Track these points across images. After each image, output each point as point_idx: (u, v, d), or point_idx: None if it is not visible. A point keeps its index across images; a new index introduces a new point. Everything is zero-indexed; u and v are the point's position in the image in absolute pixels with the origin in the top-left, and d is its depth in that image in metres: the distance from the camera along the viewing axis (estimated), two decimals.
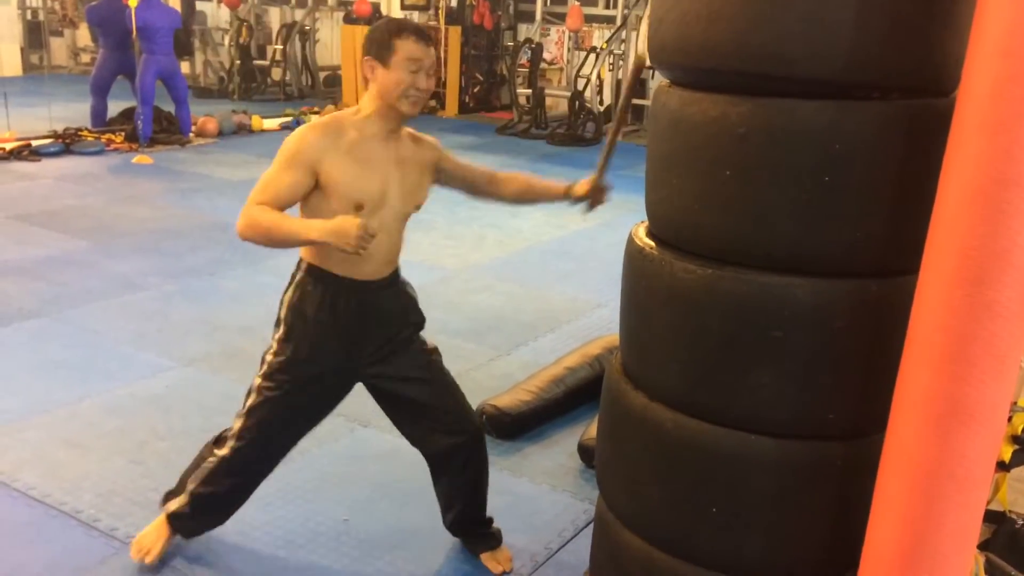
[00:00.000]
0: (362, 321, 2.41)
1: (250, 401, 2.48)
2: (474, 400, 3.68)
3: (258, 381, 2.46)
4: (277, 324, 2.45)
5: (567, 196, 2.63)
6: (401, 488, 3.16)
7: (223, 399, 3.77)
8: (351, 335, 2.42)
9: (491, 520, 2.83)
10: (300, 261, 2.42)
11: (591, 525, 2.51)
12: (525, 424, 3.62)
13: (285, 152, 2.26)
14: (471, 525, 2.79)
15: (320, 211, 2.28)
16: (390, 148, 2.36)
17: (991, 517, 2.58)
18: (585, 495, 3.19)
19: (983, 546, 2.53)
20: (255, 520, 2.93)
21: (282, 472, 3.21)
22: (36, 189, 7.40)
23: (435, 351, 2.60)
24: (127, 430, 3.51)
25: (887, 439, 1.64)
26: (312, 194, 2.29)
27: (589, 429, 3.42)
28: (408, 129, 2.46)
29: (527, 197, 2.70)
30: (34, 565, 2.68)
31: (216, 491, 2.59)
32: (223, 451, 2.53)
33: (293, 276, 2.43)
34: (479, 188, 2.64)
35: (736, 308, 1.81)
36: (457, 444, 2.57)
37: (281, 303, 2.44)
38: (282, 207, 2.25)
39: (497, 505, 3.09)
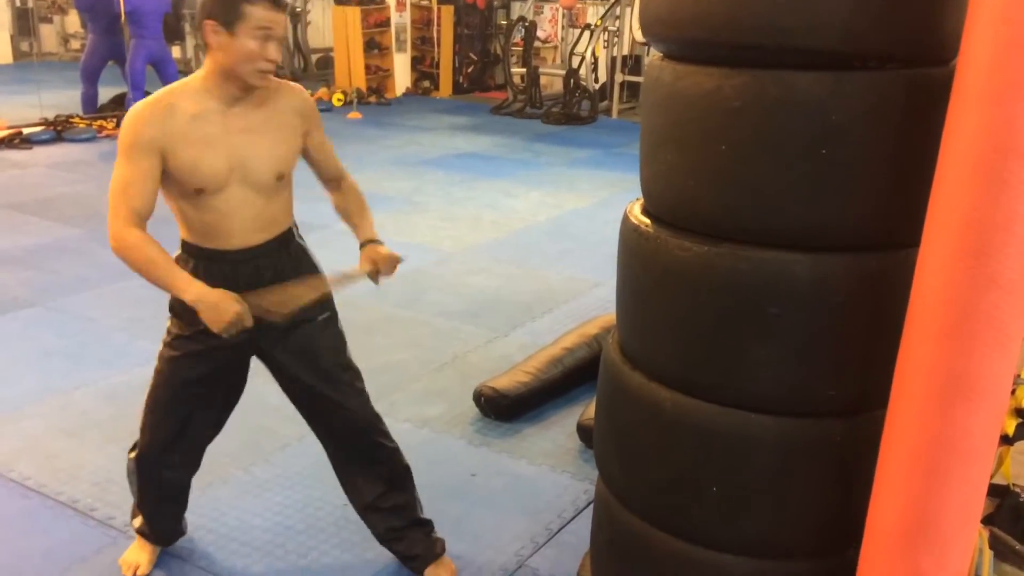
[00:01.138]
0: (232, 289, 2.16)
1: (147, 392, 2.39)
2: (472, 382, 3.69)
3: (156, 366, 2.36)
4: (169, 308, 2.33)
5: (361, 247, 2.40)
6: None
7: None
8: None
9: (430, 522, 2.63)
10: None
11: (591, 505, 2.50)
12: (524, 405, 3.60)
13: (123, 145, 2.09)
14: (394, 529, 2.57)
15: (169, 195, 2.18)
16: (235, 118, 2.15)
17: (994, 491, 2.56)
18: (585, 475, 3.18)
19: (987, 520, 2.51)
20: (253, 507, 2.92)
21: (279, 458, 3.21)
22: (28, 177, 7.35)
23: (329, 322, 2.40)
24: (122, 418, 3.48)
25: (888, 415, 1.62)
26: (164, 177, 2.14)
27: (588, 409, 3.40)
28: (270, 83, 2.20)
29: (344, 218, 2.48)
30: (31, 555, 2.66)
31: (149, 493, 2.53)
32: (133, 453, 2.49)
33: (179, 258, 2.28)
34: (323, 178, 2.45)
35: (733, 285, 1.78)
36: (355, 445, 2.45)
37: None
38: (148, 212, 2.11)
39: (496, 487, 3.09)
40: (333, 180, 2.46)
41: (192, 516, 2.80)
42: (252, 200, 2.20)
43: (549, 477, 3.18)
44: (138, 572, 2.58)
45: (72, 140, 8.73)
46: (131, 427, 3.38)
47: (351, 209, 2.46)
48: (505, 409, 3.55)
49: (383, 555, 2.71)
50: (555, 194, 7.38)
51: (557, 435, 3.48)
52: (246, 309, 2.09)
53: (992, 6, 1.38)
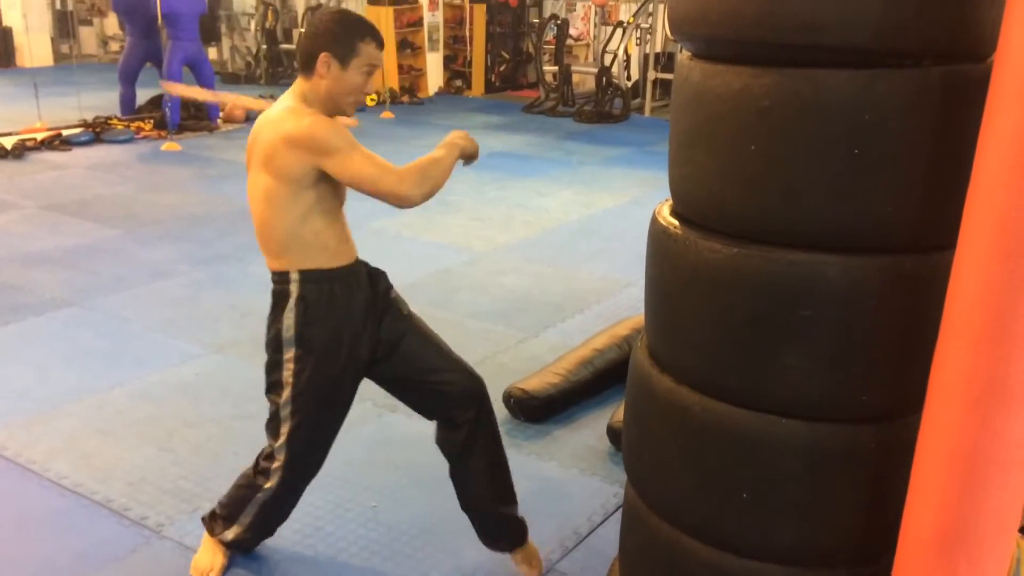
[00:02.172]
0: (363, 304, 2.36)
1: (285, 428, 2.37)
2: (502, 383, 3.68)
3: (288, 408, 2.35)
4: (282, 346, 2.33)
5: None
6: (429, 473, 3.13)
7: (252, 386, 3.77)
8: (360, 322, 2.35)
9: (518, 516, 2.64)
10: (284, 275, 2.30)
11: (621, 509, 2.47)
12: (554, 407, 3.59)
13: (346, 139, 2.18)
14: (492, 507, 2.59)
15: (308, 218, 2.24)
16: None
17: None
18: (615, 478, 3.16)
19: None
20: None
21: None
22: (67, 178, 7.47)
23: (409, 312, 2.50)
24: (157, 418, 3.52)
25: (924, 421, 1.58)
26: (321, 183, 2.22)
27: (618, 411, 3.38)
28: None
29: None
30: (66, 554, 2.70)
31: (273, 516, 2.56)
32: (271, 483, 2.44)
33: (282, 294, 2.31)
34: None
35: (764, 288, 1.75)
36: (465, 392, 2.45)
37: (281, 325, 2.31)
38: None
39: (526, 489, 3.07)
40: None
41: None
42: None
43: (579, 480, 3.16)
44: None
45: (110, 141, 8.86)
46: (167, 426, 3.44)
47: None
48: (535, 410, 3.54)
49: (412, 555, 2.71)
50: (587, 193, 7.34)
51: (587, 437, 3.46)
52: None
53: None
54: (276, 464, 2.42)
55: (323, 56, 2.19)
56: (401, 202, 2.21)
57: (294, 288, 2.29)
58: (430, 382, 2.45)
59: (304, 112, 2.22)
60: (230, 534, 2.57)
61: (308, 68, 2.22)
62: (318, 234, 2.26)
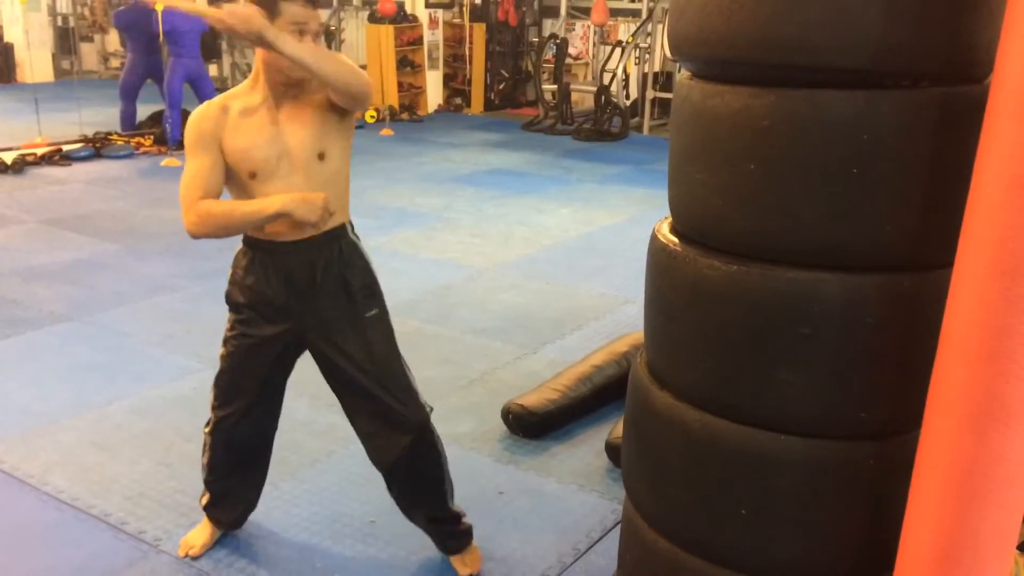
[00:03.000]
0: (285, 282, 2.40)
1: (217, 371, 2.57)
2: (500, 399, 3.68)
3: (220, 351, 2.54)
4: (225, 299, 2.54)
5: None
6: None
7: None
8: (278, 297, 2.41)
9: (458, 516, 2.70)
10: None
11: (620, 526, 2.48)
12: (552, 423, 3.59)
13: (187, 142, 2.32)
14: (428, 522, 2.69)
15: (232, 189, 2.37)
16: (279, 108, 2.31)
17: None
18: (613, 495, 3.16)
19: (1023, 547, 2.46)
20: (282, 522, 2.93)
21: (308, 474, 3.22)
22: (67, 193, 7.49)
23: (376, 320, 2.48)
24: (155, 432, 3.52)
25: (922, 438, 1.59)
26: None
27: (616, 428, 3.38)
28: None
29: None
30: (63, 568, 2.69)
31: (218, 469, 2.68)
32: (208, 428, 2.64)
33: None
34: None
35: (763, 305, 1.77)
36: (374, 431, 2.54)
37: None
38: (215, 194, 2.31)
39: (524, 505, 3.07)
40: None
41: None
42: (302, 187, 2.31)
43: (577, 496, 3.16)
44: (190, 552, 2.74)
45: (110, 157, 8.88)
46: (164, 441, 3.44)
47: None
48: (533, 427, 3.54)
49: (412, 571, 2.71)
50: (586, 210, 7.37)
51: (585, 453, 3.46)
52: (327, 194, 2.28)
53: None
54: (210, 406, 2.62)
55: None
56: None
57: (238, 246, 2.49)
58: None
59: (229, 91, 2.38)
60: (204, 497, 2.77)
61: None
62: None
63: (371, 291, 2.47)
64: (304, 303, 2.41)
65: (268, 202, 2.26)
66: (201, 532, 2.79)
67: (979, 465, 1.48)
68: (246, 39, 2.11)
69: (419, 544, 2.83)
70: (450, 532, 2.70)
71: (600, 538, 2.91)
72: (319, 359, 2.50)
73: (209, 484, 2.73)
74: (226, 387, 2.55)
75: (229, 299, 2.50)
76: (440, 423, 3.60)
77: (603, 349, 4.01)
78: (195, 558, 2.73)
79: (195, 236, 2.31)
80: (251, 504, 2.82)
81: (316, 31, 2.23)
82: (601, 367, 3.83)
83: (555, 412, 3.59)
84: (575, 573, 2.74)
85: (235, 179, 2.35)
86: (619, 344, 4.02)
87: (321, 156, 2.32)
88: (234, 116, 2.30)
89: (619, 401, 3.56)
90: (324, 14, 13.92)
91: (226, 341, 2.52)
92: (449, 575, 2.71)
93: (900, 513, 1.65)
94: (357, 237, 2.49)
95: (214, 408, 2.59)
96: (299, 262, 2.38)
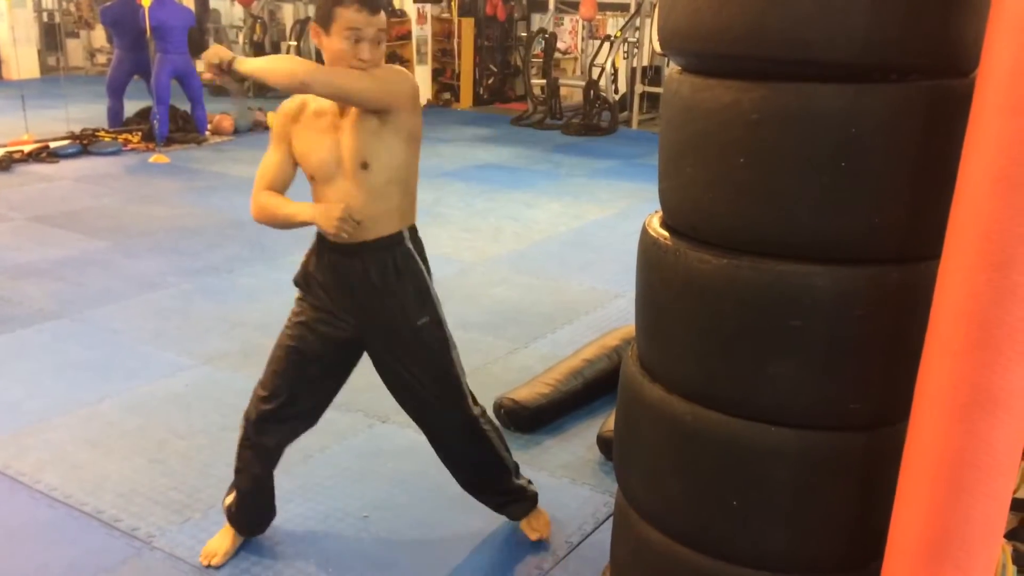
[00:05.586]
0: (339, 283, 2.47)
1: (271, 354, 2.57)
2: (492, 393, 3.69)
3: (279, 336, 2.56)
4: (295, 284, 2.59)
5: None
6: (420, 483, 3.15)
7: (242, 396, 3.74)
8: (331, 295, 2.48)
9: (520, 488, 2.81)
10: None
11: (612, 518, 2.49)
12: (543, 417, 3.60)
13: (271, 132, 2.46)
14: (489, 494, 2.80)
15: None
16: (343, 114, 2.37)
17: (1017, 505, 2.53)
18: (605, 488, 3.17)
19: (1010, 535, 2.48)
20: (275, 519, 2.93)
21: (301, 469, 3.22)
22: (54, 190, 7.45)
23: (433, 327, 2.53)
24: (147, 429, 3.52)
25: (911, 428, 1.61)
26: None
27: (608, 421, 3.40)
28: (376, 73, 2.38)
29: None
30: (56, 566, 2.69)
31: (244, 464, 2.64)
32: (247, 415, 2.61)
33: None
34: None
35: (753, 298, 1.78)
36: (439, 429, 2.65)
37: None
38: (280, 187, 2.44)
39: None
40: None
41: (213, 527, 2.82)
42: (354, 194, 2.37)
43: (569, 490, 3.18)
44: (213, 561, 2.70)
45: (98, 153, 8.84)
46: (157, 438, 3.43)
47: None
48: (525, 420, 3.56)
49: (405, 565, 2.72)
50: (576, 205, 7.38)
51: (577, 447, 3.47)
52: (348, 206, 2.32)
53: (1012, 18, 1.37)
54: (255, 388, 2.61)
55: (312, 27, 2.34)
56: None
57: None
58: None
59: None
60: (228, 498, 2.72)
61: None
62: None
63: (423, 299, 2.50)
64: (361, 305, 2.46)
65: (299, 209, 2.36)
66: (223, 539, 2.74)
67: (967, 454, 1.50)
68: (215, 71, 2.25)
69: (412, 539, 2.85)
70: (514, 500, 2.81)
71: (592, 531, 2.93)
72: (376, 360, 2.57)
73: (237, 490, 2.70)
74: (276, 371, 2.54)
75: (298, 284, 2.55)
76: None
77: (594, 343, 4.02)
78: (218, 567, 2.67)
79: (256, 221, 2.45)
80: (273, 506, 2.80)
81: (374, 37, 2.28)
82: (592, 361, 3.85)
83: (547, 406, 3.60)
84: (568, 565, 2.76)
85: (308, 180, 2.44)
86: (610, 338, 4.03)
87: (364, 165, 2.35)
88: (308, 116, 2.39)
89: (610, 395, 3.58)
90: (312, 8, 13.90)
91: (285, 331, 2.54)
92: (441, 570, 2.72)
93: (890, 502, 1.67)
94: (419, 244, 2.55)
95: (259, 401, 2.57)
96: (355, 265, 2.44)
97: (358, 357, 2.60)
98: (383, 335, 2.50)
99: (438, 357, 2.54)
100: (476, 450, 2.67)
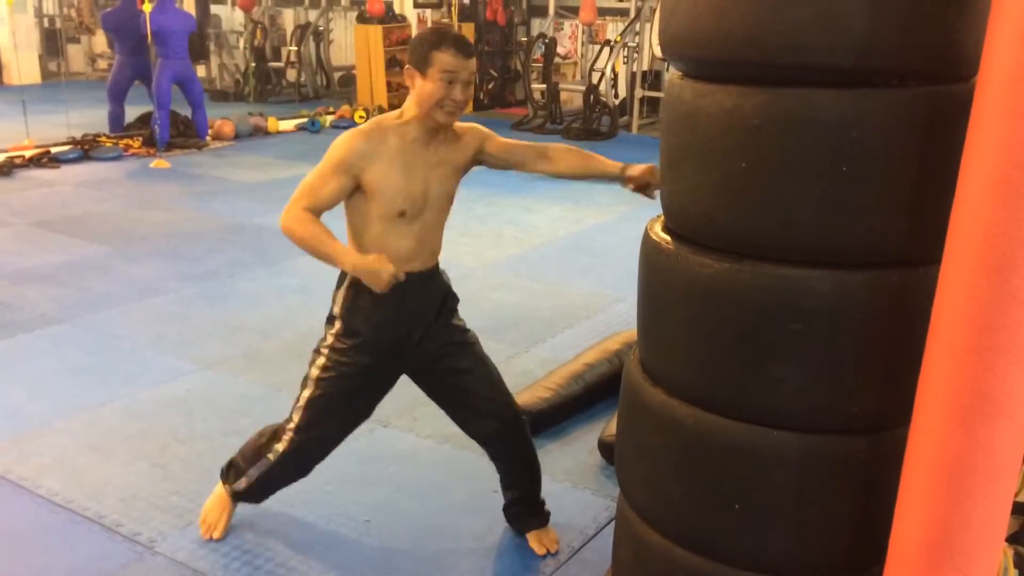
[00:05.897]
0: (411, 311, 2.52)
1: (307, 393, 2.56)
2: None
3: (315, 373, 2.55)
4: (331, 320, 2.55)
5: (621, 176, 2.53)
6: (422, 488, 3.15)
7: (243, 401, 3.78)
8: (403, 325, 2.52)
9: (542, 502, 2.88)
10: None
11: (613, 522, 2.49)
12: (544, 421, 3.60)
13: (332, 158, 2.37)
14: (519, 506, 2.86)
15: (364, 213, 2.42)
16: (430, 151, 2.44)
17: (1019, 509, 2.53)
18: (606, 492, 3.18)
19: (1012, 539, 2.49)
20: (276, 522, 2.93)
21: None
22: (55, 196, 7.46)
23: (473, 337, 2.69)
24: (148, 434, 3.52)
25: (911, 432, 1.62)
26: (355, 195, 2.40)
27: (609, 425, 3.40)
28: (455, 123, 2.49)
29: (581, 173, 2.66)
30: (57, 571, 2.69)
31: (277, 478, 2.73)
32: (282, 445, 2.62)
33: (344, 274, 2.49)
34: (529, 165, 2.65)
35: (754, 302, 1.79)
36: (493, 429, 2.69)
37: (334, 300, 2.53)
38: (323, 210, 2.40)
39: None
40: (539, 154, 2.64)
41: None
42: (433, 226, 2.50)
43: (570, 494, 3.18)
44: (214, 535, 2.82)
45: (99, 159, 8.84)
46: (158, 442, 3.44)
47: (578, 161, 2.63)
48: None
49: (406, 570, 2.72)
50: (576, 209, 7.39)
51: (578, 451, 3.48)
52: (397, 268, 2.31)
53: (1012, 23, 1.38)
54: (291, 425, 2.59)
55: (407, 69, 2.38)
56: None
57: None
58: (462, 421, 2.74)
59: (387, 116, 2.46)
60: (241, 483, 2.75)
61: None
62: (379, 238, 2.43)
63: (458, 314, 2.69)
64: (423, 329, 2.54)
65: (342, 253, 2.34)
66: (219, 512, 2.84)
67: (968, 458, 1.51)
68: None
69: (413, 543, 2.85)
70: (534, 512, 2.86)
71: (594, 535, 2.93)
72: (425, 380, 2.66)
73: (253, 485, 2.75)
74: (320, 411, 2.56)
75: (347, 325, 2.50)
76: (433, 422, 3.62)
77: (595, 347, 4.03)
78: (219, 540, 2.81)
79: (282, 232, 2.39)
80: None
81: (467, 80, 2.36)
82: (593, 365, 3.85)
83: (548, 410, 3.60)
84: (569, 569, 2.76)
85: (376, 211, 2.39)
86: (611, 342, 4.04)
87: (450, 200, 2.53)
88: (391, 147, 2.38)
89: (612, 399, 3.58)
90: (313, 14, 13.93)
91: (328, 367, 2.53)
92: (443, 574, 2.72)
93: (891, 506, 1.67)
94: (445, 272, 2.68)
95: (296, 430, 2.59)
96: (416, 292, 2.49)
97: (391, 386, 2.67)
98: (438, 355, 2.59)
99: (490, 364, 2.69)
100: (516, 436, 2.74)
